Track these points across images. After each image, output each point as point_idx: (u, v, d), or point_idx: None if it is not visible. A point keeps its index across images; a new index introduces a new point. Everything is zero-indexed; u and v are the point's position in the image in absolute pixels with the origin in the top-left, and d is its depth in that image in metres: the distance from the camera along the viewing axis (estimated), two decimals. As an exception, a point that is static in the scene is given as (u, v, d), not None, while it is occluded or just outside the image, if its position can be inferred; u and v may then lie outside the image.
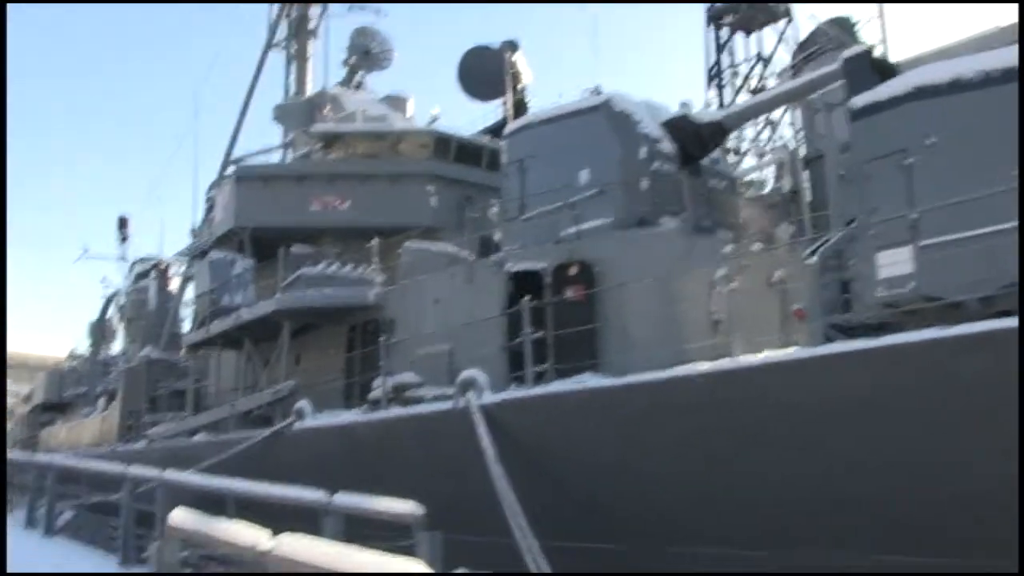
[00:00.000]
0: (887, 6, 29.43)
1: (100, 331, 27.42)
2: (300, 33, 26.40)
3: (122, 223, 34.02)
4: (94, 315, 31.00)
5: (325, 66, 21.31)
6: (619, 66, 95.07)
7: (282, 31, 27.16)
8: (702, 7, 40.27)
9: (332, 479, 11.67)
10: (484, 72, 21.78)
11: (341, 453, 12.07)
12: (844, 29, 34.07)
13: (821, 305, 8.92)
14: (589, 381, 9.09)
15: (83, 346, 35.50)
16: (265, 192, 18.21)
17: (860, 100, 9.54)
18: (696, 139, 13.72)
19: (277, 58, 27.11)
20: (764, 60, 38.60)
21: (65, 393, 29.29)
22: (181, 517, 6.40)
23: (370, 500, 8.07)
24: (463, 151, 18.44)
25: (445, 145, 18.16)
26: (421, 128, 18.60)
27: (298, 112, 22.14)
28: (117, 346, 32.76)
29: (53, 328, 79.42)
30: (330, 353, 15.36)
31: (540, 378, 11.29)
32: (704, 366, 7.99)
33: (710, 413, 7.84)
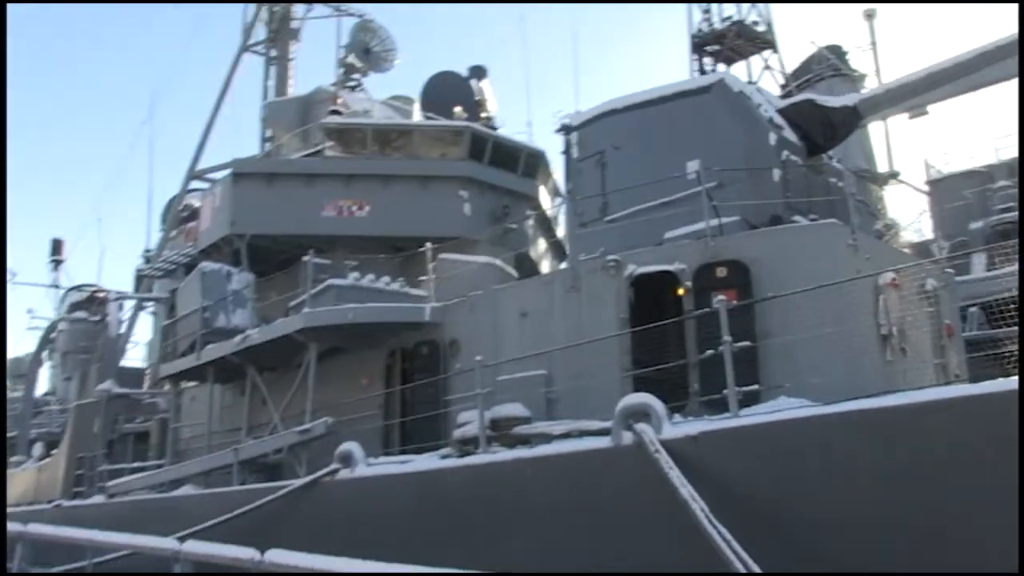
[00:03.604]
0: (879, 23, 28.65)
1: (36, 366, 23.60)
2: (281, 33, 23.65)
3: (56, 246, 30.17)
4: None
5: (343, 64, 18.41)
6: (599, 91, 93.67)
7: (259, 33, 24.42)
8: (686, 35, 39.44)
9: (400, 543, 8.86)
10: (449, 98, 19.64)
11: (414, 509, 9.17)
12: (837, 56, 33.24)
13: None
14: (835, 405, 6.53)
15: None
16: (268, 194, 15.31)
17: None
18: (825, 127, 11.65)
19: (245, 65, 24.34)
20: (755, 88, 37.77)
21: (-16, 439, 25.01)
22: None
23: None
24: (499, 153, 15.96)
25: (481, 145, 15.63)
26: (456, 123, 16.05)
27: (291, 111, 19.31)
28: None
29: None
30: (362, 384, 12.47)
31: (679, 409, 8.90)
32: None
33: None
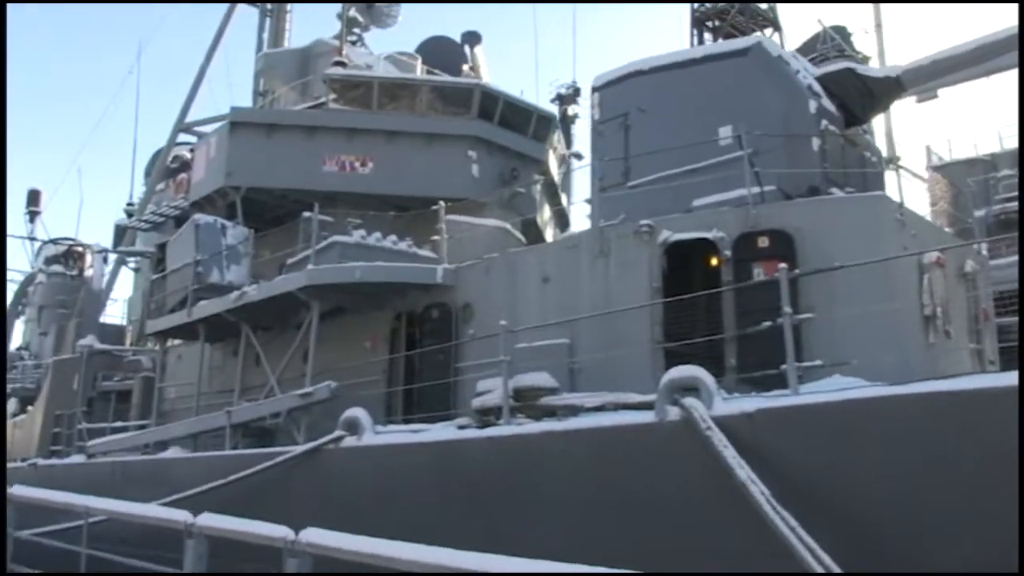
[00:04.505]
0: (883, 10, 28.06)
1: (12, 318, 22.66)
2: (279, -18, 22.66)
3: (33, 197, 28.97)
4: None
5: (344, 17, 17.53)
6: (591, 64, 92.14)
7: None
8: (686, 12, 38.76)
9: (411, 519, 8.33)
10: (441, 63, 18.90)
11: (428, 482, 8.61)
12: (841, 37, 32.76)
13: None
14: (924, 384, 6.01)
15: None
16: (266, 145, 14.50)
17: None
18: (864, 98, 11.11)
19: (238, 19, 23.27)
20: (757, 68, 37.21)
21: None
22: None
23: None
24: (510, 113, 15.24)
25: (491, 104, 14.90)
26: (466, 80, 15.33)
27: (288, 64, 18.44)
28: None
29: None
30: (365, 347, 11.85)
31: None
32: None
33: None
